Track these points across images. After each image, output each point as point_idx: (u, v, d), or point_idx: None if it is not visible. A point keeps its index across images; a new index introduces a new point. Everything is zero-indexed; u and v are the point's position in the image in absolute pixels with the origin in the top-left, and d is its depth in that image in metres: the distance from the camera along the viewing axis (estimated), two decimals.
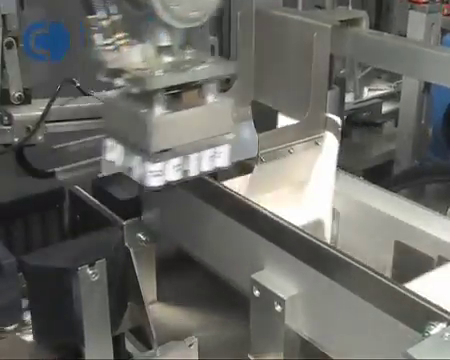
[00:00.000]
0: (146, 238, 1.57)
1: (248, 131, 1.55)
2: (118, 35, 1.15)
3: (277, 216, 1.28)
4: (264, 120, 1.59)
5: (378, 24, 2.83)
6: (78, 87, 1.95)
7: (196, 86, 1.24)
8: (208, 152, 1.26)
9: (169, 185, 1.23)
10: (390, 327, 1.06)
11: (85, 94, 1.96)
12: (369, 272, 1.10)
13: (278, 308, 1.23)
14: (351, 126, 2.10)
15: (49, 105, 1.91)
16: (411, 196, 1.69)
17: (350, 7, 1.58)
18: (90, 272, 1.30)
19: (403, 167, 2.21)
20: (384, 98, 2.73)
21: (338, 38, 1.41)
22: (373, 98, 2.71)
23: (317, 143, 1.47)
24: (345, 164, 1.51)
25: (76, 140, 2.02)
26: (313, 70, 1.41)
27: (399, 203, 1.45)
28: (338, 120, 1.47)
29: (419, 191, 2.06)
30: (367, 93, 2.69)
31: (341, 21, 1.45)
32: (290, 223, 1.26)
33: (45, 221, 1.80)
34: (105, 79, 1.19)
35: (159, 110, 1.19)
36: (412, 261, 1.35)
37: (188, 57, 1.23)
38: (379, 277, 1.09)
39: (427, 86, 2.27)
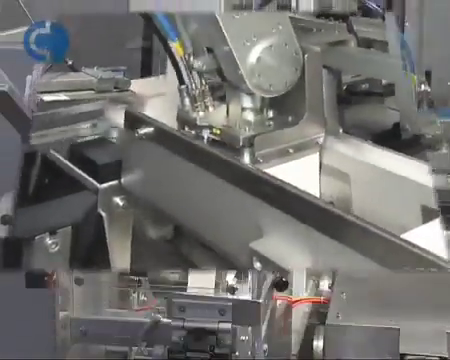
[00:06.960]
0: (123, 203, 1.44)
1: None
2: (206, 99, 1.43)
3: (275, 177, 1.18)
4: None
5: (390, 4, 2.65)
6: (70, 65, 1.87)
7: None
8: None
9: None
10: None
11: (76, 71, 1.90)
12: (389, 237, 0.98)
13: None
14: (351, 96, 1.96)
15: None
16: None
17: None
18: (50, 242, 1.15)
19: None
20: None
21: (329, 54, 1.45)
22: None
23: (317, 142, 1.42)
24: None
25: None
26: (307, 86, 1.39)
27: (419, 166, 1.32)
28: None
29: None
30: None
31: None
32: (291, 185, 1.15)
33: None
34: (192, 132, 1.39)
35: None
36: None
37: (270, 116, 1.41)
38: (402, 243, 0.97)
39: None
